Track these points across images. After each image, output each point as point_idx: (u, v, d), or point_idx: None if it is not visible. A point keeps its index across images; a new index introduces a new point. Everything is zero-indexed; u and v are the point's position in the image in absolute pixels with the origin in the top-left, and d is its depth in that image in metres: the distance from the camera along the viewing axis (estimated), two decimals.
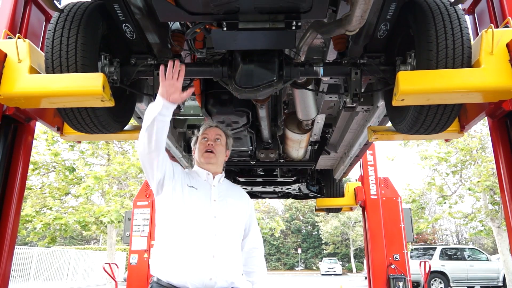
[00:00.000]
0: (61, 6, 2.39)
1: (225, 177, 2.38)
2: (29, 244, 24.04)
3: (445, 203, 16.45)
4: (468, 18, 3.22)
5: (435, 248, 16.72)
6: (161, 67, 2.01)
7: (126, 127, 3.09)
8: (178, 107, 3.41)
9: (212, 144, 2.32)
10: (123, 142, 14.56)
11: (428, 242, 36.43)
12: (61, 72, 2.31)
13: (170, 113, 2.03)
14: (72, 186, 13.26)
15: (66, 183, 12.97)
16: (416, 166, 18.25)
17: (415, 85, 2.20)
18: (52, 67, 2.32)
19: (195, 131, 2.48)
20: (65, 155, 13.47)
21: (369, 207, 7.48)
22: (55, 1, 2.19)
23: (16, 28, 2.96)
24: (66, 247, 29.83)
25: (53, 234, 12.82)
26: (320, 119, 4.42)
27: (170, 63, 2.02)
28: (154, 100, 2.04)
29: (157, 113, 1.96)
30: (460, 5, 2.32)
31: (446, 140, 3.89)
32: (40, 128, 11.63)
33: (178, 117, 4.44)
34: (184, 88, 2.99)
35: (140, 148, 2.06)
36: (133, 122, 3.50)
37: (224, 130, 2.45)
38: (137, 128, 3.28)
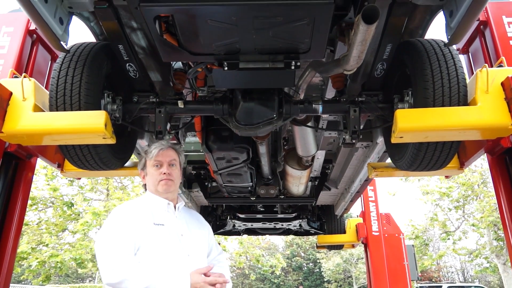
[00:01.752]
0: (68, 47, 2.47)
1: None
2: (23, 282, 23.39)
3: (448, 239, 16.19)
4: (462, 58, 3.31)
5: (441, 286, 16.27)
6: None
7: (127, 164, 3.10)
8: (179, 143, 3.44)
9: (168, 173, 2.08)
10: (122, 177, 14.51)
11: (433, 280, 35.43)
12: (65, 110, 2.35)
13: None
14: (69, 222, 13.08)
15: (64, 218, 12.80)
16: (418, 201, 18.11)
17: (413, 122, 2.23)
18: (56, 105, 2.36)
19: (142, 152, 2.24)
20: (64, 190, 13.32)
21: (371, 244, 7.35)
22: (61, 42, 2.26)
23: (23, 66, 3.04)
24: (61, 285, 29.02)
25: (48, 271, 12.50)
26: (320, 155, 4.44)
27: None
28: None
29: None
30: (454, 45, 2.39)
31: (447, 177, 3.89)
32: (40, 163, 11.63)
33: None
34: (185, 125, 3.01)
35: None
36: (133, 158, 3.51)
37: (177, 149, 2.22)
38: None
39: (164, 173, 2.08)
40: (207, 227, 2.29)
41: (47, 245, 12.40)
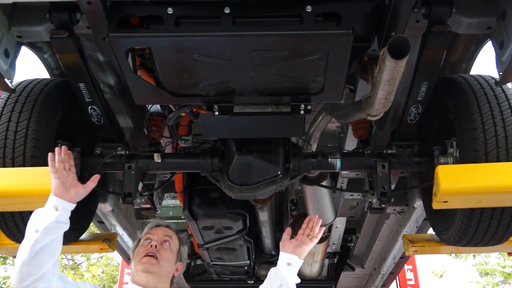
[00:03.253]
0: (13, 85, 2.53)
1: None
2: None
3: None
4: None
5: None
6: (50, 155, 2.02)
7: (82, 237, 3.08)
8: (154, 209, 3.44)
9: (156, 247, 2.18)
10: (74, 254, 14.25)
11: None
12: (4, 166, 2.37)
13: (68, 220, 1.95)
14: None
15: None
16: (474, 285, 17.70)
17: (460, 182, 2.24)
18: None
19: (137, 232, 2.38)
20: None
21: None
22: (5, 80, 2.32)
23: None
24: None
25: None
26: (340, 224, 4.43)
27: (57, 150, 2.04)
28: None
29: (49, 222, 1.85)
30: (508, 83, 2.46)
31: (510, 254, 3.86)
32: None
33: None
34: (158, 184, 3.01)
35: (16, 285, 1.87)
36: (92, 227, 3.49)
37: (178, 233, 2.35)
38: (97, 238, 3.26)
39: (151, 246, 2.15)
40: None
41: None
